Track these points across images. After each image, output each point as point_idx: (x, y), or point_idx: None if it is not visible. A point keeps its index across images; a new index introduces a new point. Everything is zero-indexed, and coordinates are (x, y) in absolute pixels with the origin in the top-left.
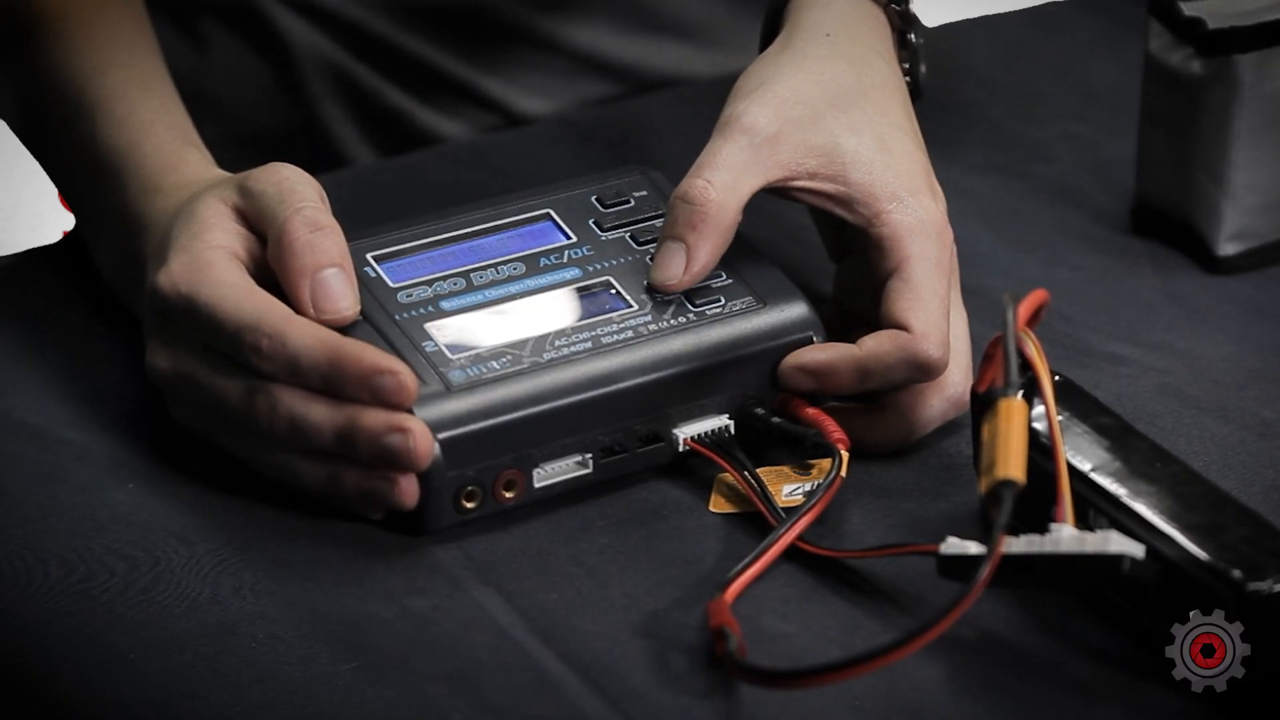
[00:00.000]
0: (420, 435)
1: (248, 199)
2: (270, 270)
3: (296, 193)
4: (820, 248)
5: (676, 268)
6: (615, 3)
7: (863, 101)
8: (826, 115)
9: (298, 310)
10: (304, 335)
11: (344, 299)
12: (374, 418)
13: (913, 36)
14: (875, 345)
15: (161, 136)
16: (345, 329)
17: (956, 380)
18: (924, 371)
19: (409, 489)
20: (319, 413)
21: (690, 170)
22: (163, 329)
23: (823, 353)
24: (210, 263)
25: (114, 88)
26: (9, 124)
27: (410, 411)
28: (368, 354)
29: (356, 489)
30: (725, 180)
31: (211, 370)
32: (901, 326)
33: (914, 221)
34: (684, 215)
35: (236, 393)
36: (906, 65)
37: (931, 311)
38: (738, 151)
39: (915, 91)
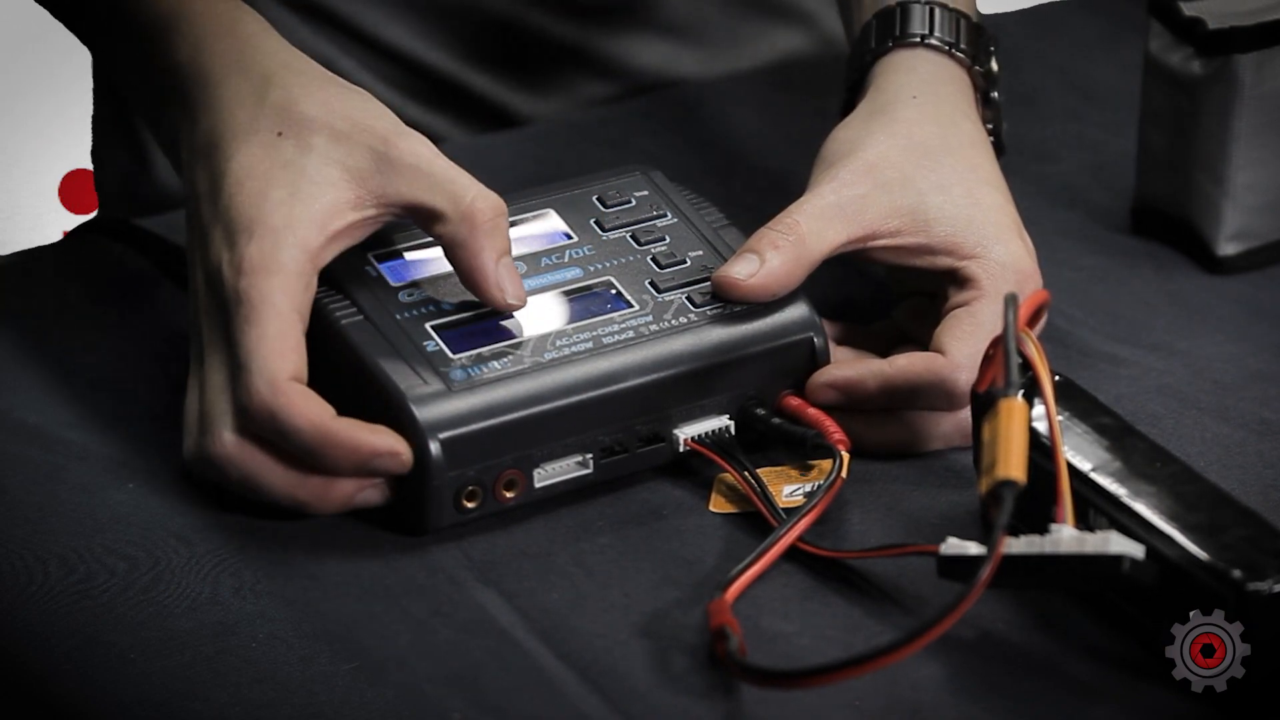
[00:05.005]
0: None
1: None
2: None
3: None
4: None
5: (744, 270)
6: (611, 1)
7: (951, 159)
8: (915, 177)
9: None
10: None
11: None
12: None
13: (996, 95)
14: (907, 365)
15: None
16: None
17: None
18: (949, 399)
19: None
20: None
21: (778, 215)
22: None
23: (852, 369)
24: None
25: None
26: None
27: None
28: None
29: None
30: (813, 226)
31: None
32: (941, 352)
33: (996, 265)
34: (767, 236)
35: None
36: (990, 125)
37: (978, 346)
38: (826, 207)
39: (999, 148)
